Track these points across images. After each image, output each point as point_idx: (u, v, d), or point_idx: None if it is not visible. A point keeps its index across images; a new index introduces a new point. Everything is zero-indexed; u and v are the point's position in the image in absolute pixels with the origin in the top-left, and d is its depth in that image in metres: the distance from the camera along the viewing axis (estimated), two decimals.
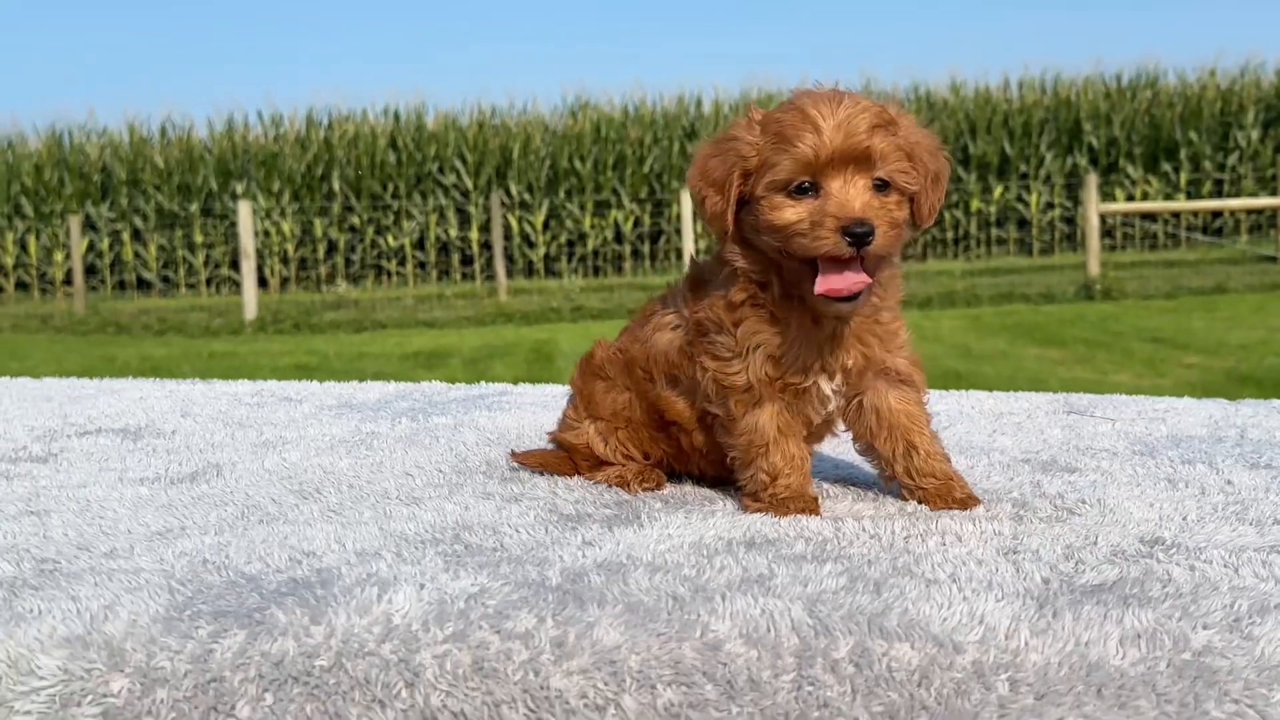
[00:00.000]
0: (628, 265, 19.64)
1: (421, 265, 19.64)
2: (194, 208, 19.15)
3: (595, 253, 19.74)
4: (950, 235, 20.00)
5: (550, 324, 15.22)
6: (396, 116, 20.51)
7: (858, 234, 1.29)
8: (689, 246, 15.24)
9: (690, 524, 1.32)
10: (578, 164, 19.98)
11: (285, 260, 19.12)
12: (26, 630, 0.84)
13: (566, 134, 20.31)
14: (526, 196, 19.80)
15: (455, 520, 1.27)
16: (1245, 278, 15.47)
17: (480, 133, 20.18)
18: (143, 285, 18.91)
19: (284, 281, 18.98)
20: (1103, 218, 16.55)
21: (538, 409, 1.84)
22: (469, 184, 19.81)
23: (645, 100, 21.12)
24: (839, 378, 1.44)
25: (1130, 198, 19.87)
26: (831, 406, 1.47)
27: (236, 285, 18.69)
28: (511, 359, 11.58)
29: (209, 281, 19.14)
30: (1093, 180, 14.65)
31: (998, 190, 19.92)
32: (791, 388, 1.40)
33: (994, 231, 20.02)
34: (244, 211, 14.57)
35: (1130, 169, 20.15)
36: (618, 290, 17.49)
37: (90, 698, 0.82)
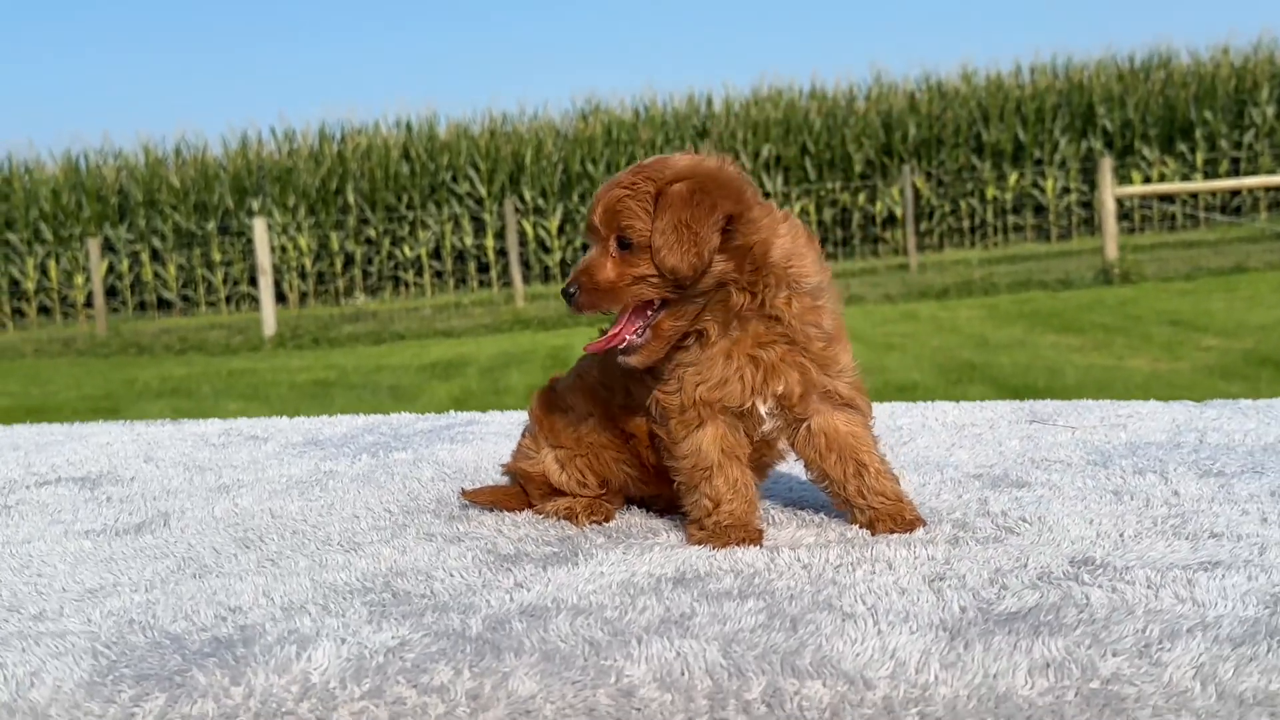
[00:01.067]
0: None
1: (438, 274, 19.73)
2: (211, 226, 19.31)
3: None
4: (966, 224, 19.93)
5: (567, 329, 15.28)
6: (409, 127, 20.62)
7: (565, 294, 1.39)
8: None
9: (625, 560, 1.35)
10: (590, 167, 20.02)
11: (303, 275, 19.25)
12: None
13: (578, 138, 20.36)
14: (540, 202, 19.87)
15: (389, 566, 1.30)
16: (1265, 256, 15.37)
17: (492, 140, 20.26)
18: (163, 305, 19.08)
19: (303, 296, 19.11)
20: (1119, 201, 16.46)
21: (500, 439, 1.87)
22: (483, 191, 19.89)
23: (656, 101, 21.17)
24: (771, 401, 1.47)
25: (1147, 179, 19.75)
26: (767, 427, 1.50)
27: (256, 301, 18.82)
28: (528, 366, 11.63)
29: (228, 299, 19.30)
30: (1108, 163, 14.58)
31: (1013, 177, 19.83)
32: (728, 409, 1.44)
33: (1010, 219, 19.94)
34: (259, 228, 14.67)
35: (1146, 150, 20.03)
36: None
37: None
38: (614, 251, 1.36)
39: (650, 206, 1.35)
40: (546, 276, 19.72)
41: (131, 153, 20.20)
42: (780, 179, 20.09)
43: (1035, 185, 20.00)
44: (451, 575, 1.27)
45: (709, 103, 21.10)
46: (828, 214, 19.93)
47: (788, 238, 1.45)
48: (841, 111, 20.54)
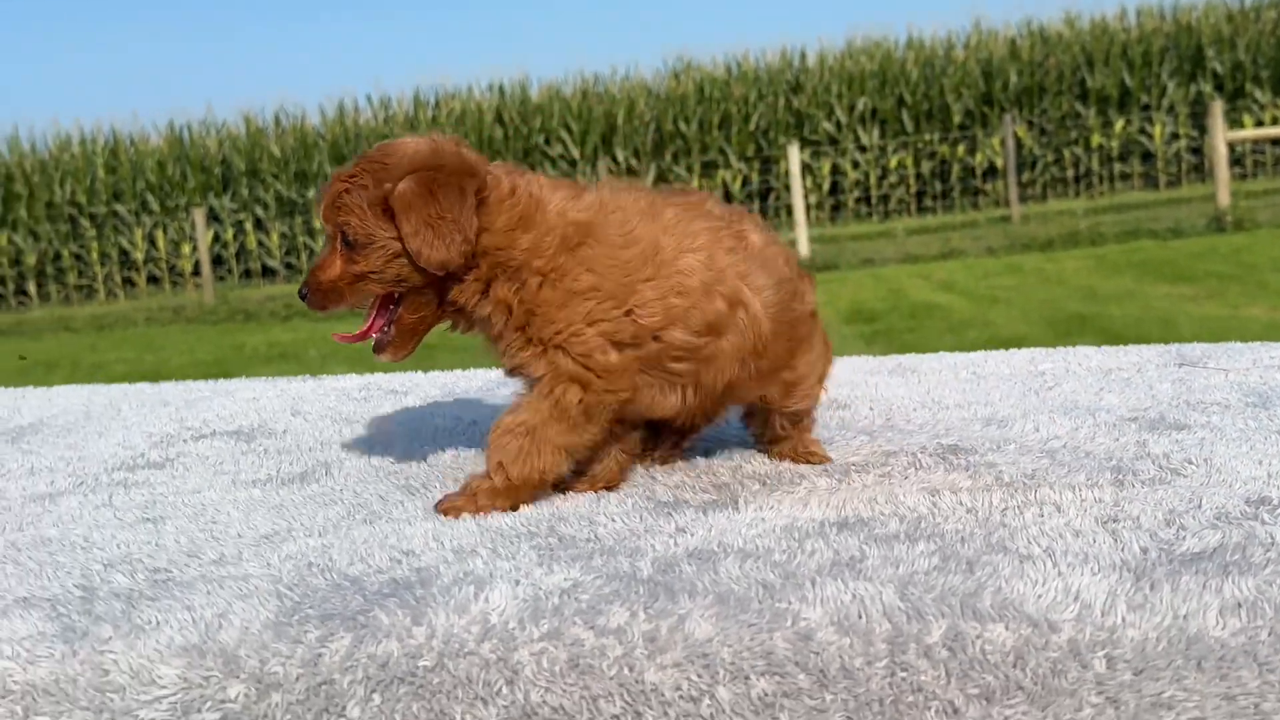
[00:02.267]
0: None
1: None
2: (311, 194, 19.61)
3: None
4: (1071, 173, 19.43)
5: None
6: (501, 91, 20.69)
7: (300, 294, 1.30)
8: (799, 202, 15.11)
9: (785, 505, 1.33)
10: (682, 126, 19.90)
11: None
12: (146, 641, 0.89)
13: (670, 96, 20.24)
14: (633, 162, 19.82)
15: (550, 511, 1.29)
16: None
17: (584, 101, 20.24)
18: (267, 272, 19.46)
19: None
20: (1231, 146, 15.92)
21: None
22: (575, 153, 19.91)
23: (748, 56, 20.93)
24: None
25: (1259, 123, 19.03)
26: None
27: None
28: None
29: None
30: (1218, 107, 14.09)
31: (1119, 124, 19.27)
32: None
33: (1117, 167, 19.39)
34: None
35: (1258, 93, 19.30)
36: None
37: (209, 704, 0.87)
38: (340, 248, 1.27)
39: (369, 201, 1.24)
40: None
41: (233, 123, 20.62)
42: (876, 132, 19.77)
43: (1142, 132, 19.41)
44: (613, 520, 1.26)
45: (802, 56, 20.81)
46: (926, 166, 19.57)
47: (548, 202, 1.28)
48: (939, 61, 20.12)
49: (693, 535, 1.21)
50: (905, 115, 19.85)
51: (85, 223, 19.42)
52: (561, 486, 1.32)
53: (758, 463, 1.50)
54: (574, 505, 1.32)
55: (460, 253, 1.22)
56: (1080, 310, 9.76)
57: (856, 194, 19.64)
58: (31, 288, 19.19)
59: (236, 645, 0.88)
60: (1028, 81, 19.78)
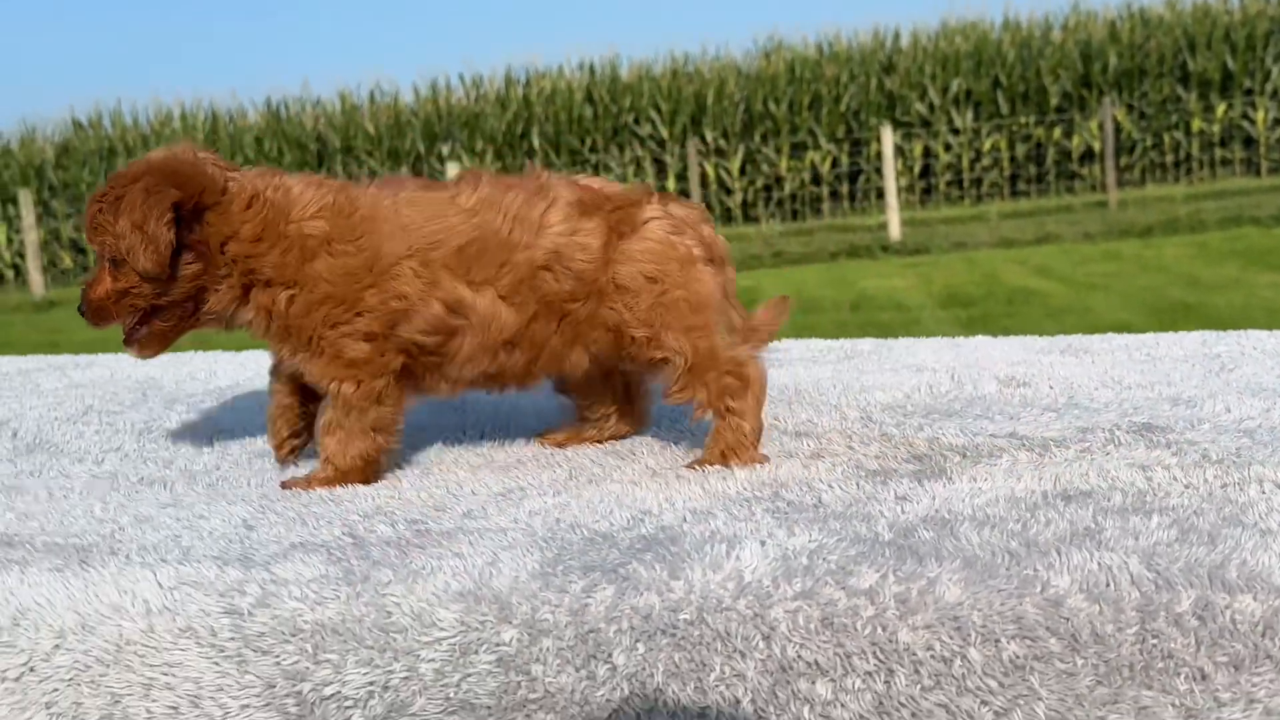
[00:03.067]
0: (825, 207, 19.40)
1: None
2: (404, 171, 19.83)
3: (793, 196, 19.56)
4: (1170, 159, 19.02)
5: (752, 270, 15.21)
6: (591, 70, 20.73)
7: (79, 310, 1.31)
8: (891, 185, 14.96)
9: (996, 477, 1.33)
10: (772, 106, 19.79)
11: None
12: (425, 586, 0.92)
13: (760, 76, 20.13)
14: (722, 142, 19.76)
15: (770, 478, 1.31)
16: None
17: (674, 81, 20.21)
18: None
19: None
20: None
21: (808, 364, 1.85)
22: (664, 133, 19.89)
23: (840, 36, 20.74)
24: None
25: None
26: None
27: None
28: None
29: None
30: None
31: (1220, 108, 18.80)
32: None
33: (1218, 152, 18.93)
34: (452, 174, 15.02)
35: None
36: (817, 233, 17.33)
37: (485, 647, 0.90)
38: (107, 265, 1.29)
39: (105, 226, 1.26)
40: (728, 218, 19.64)
41: (329, 100, 20.92)
42: (971, 114, 19.49)
43: (1245, 116, 18.92)
44: (831, 488, 1.27)
45: (895, 36, 20.57)
46: (1020, 150, 19.27)
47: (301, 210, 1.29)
48: (1036, 42, 19.77)
49: (916, 503, 1.22)
50: (1000, 97, 19.55)
51: None
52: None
53: (952, 435, 1.50)
54: (789, 472, 1.34)
55: (154, 262, 1.24)
56: (1183, 298, 9.57)
57: (948, 177, 19.40)
58: None
59: (509, 592, 0.91)
60: (1127, 64, 19.37)
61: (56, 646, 0.84)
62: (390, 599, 0.90)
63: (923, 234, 15.49)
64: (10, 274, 19.60)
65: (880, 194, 18.83)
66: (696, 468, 1.28)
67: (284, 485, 1.30)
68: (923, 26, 20.96)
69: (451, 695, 0.88)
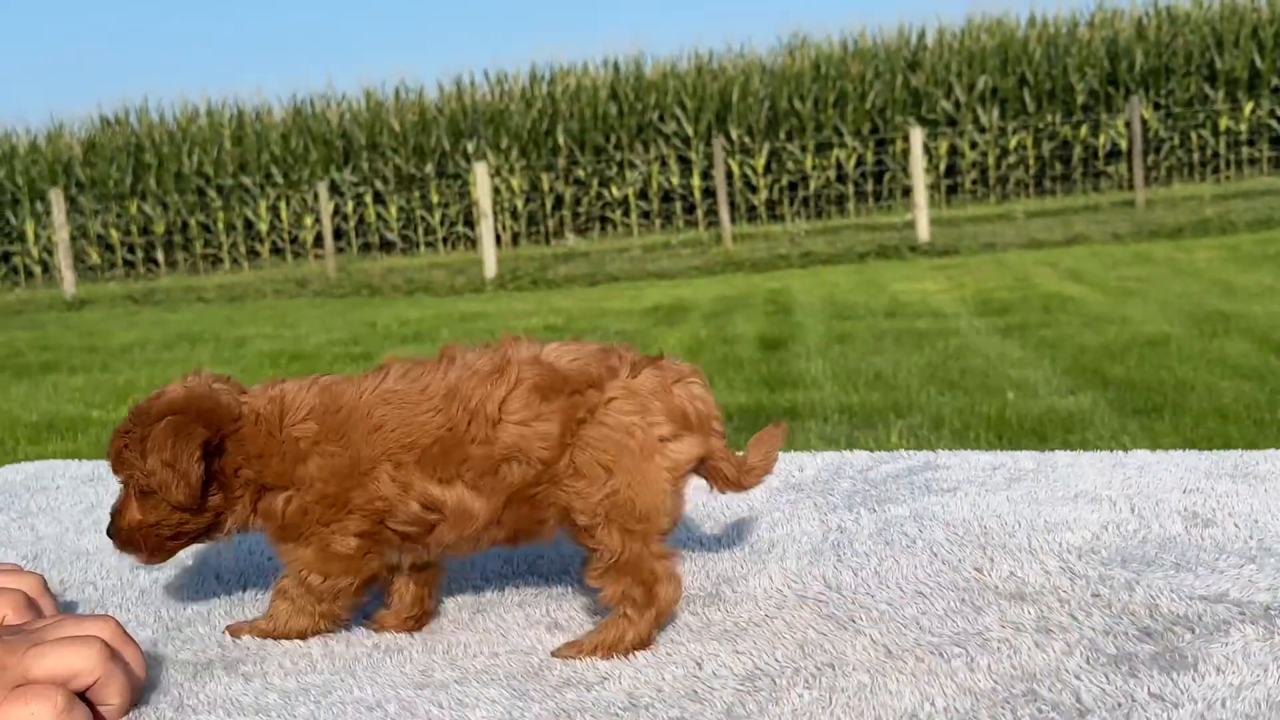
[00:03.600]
0: (851, 205, 19.41)
1: (645, 215, 19.89)
2: (429, 168, 19.90)
3: (818, 194, 19.57)
4: (1196, 157, 18.98)
5: (780, 271, 15.24)
6: (616, 67, 20.76)
7: (108, 532, 1.34)
8: (919, 184, 14.96)
9: (1240, 666, 1.21)
10: (797, 104, 19.79)
11: (515, 215, 19.70)
12: None
13: (785, 74, 20.14)
14: (747, 140, 19.77)
15: (1017, 669, 1.23)
16: None
17: (699, 78, 20.23)
18: (385, 245, 19.82)
19: (515, 237, 19.56)
20: None
21: (978, 488, 1.77)
22: (689, 131, 19.91)
23: (864, 33, 20.73)
24: None
25: None
26: None
27: (471, 242, 19.37)
28: (750, 311, 11.67)
29: (445, 239, 19.90)
30: None
31: (1248, 107, 18.75)
32: None
33: (1245, 151, 18.89)
34: (480, 172, 15.05)
35: None
36: (843, 232, 17.35)
37: None
38: (135, 495, 1.33)
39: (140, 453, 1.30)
40: (753, 216, 19.67)
41: (354, 97, 21.03)
42: (996, 111, 19.47)
43: (1273, 115, 18.86)
44: (1081, 680, 1.17)
45: (921, 34, 20.55)
46: (1046, 148, 19.25)
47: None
48: (1063, 40, 19.74)
49: (1180, 708, 1.13)
50: (1027, 95, 19.53)
51: (212, 193, 19.95)
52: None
53: (1167, 599, 1.43)
54: (1033, 660, 1.33)
55: (187, 496, 1.28)
56: (1220, 307, 9.58)
57: (974, 175, 19.40)
58: (160, 256, 19.77)
59: None
60: (1154, 62, 19.33)
61: None
62: None
63: (950, 234, 15.49)
64: (39, 270, 19.74)
65: (906, 191, 18.83)
66: (567, 652, 1.26)
67: (229, 630, 1.36)
68: (948, 24, 20.96)
69: None
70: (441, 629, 1.33)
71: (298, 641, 1.32)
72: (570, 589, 1.41)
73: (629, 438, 1.28)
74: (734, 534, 1.52)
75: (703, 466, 1.33)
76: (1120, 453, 1.77)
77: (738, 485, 1.40)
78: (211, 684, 1.18)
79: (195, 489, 1.28)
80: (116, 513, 1.35)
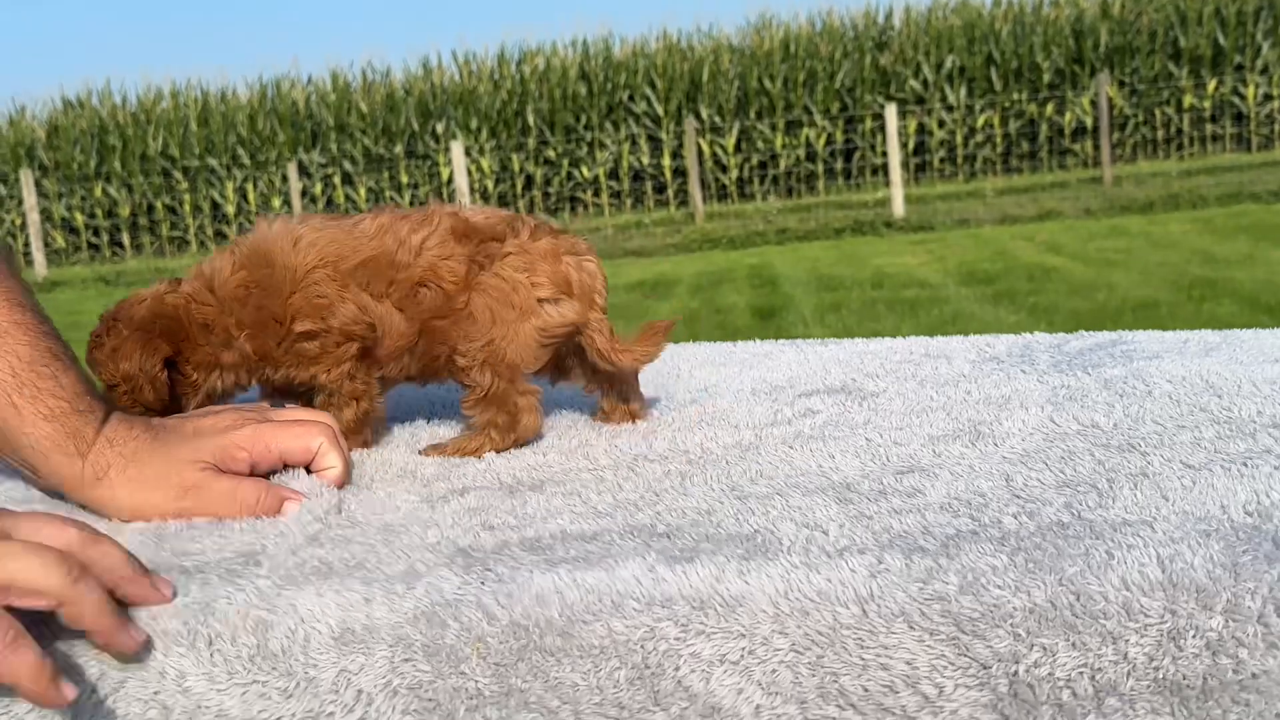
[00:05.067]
0: (821, 183, 19.50)
1: (616, 195, 19.87)
2: (398, 149, 19.76)
3: (788, 172, 19.64)
4: (1161, 134, 19.24)
5: (757, 247, 15.30)
6: (585, 47, 20.70)
7: None
8: (895, 162, 15.07)
9: None
10: (767, 83, 19.85)
11: (485, 196, 19.60)
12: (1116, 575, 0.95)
13: (754, 53, 20.18)
14: (717, 119, 19.80)
15: None
16: None
17: (668, 58, 20.22)
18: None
19: None
20: None
21: (1196, 357, 1.78)
22: (659, 111, 19.91)
23: (832, 12, 20.83)
24: None
25: None
26: None
27: None
28: (736, 284, 11.72)
29: None
30: None
31: (1211, 84, 19.04)
32: None
33: (1209, 128, 19.18)
34: (456, 152, 14.98)
35: None
36: (815, 209, 17.44)
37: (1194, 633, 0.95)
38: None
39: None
40: (724, 195, 19.71)
41: (320, 78, 20.79)
42: (964, 90, 19.63)
43: (1235, 92, 19.17)
44: None
45: (889, 14, 20.68)
46: (1013, 126, 19.44)
47: None
48: (1029, 18, 19.93)
49: None
50: (994, 74, 19.70)
51: (178, 175, 19.69)
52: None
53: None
54: None
55: (157, 399, 1.42)
56: (1203, 274, 9.75)
57: (942, 153, 19.55)
58: (125, 239, 19.50)
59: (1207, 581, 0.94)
60: (1119, 40, 19.57)
61: (775, 631, 0.90)
62: (1092, 587, 0.95)
63: (924, 211, 15.62)
64: None
65: (875, 170, 18.95)
66: (431, 453, 1.44)
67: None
68: (915, 3, 21.06)
69: (1159, 678, 0.94)
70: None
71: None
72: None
73: (514, 293, 1.41)
74: (957, 392, 1.55)
75: (579, 334, 1.45)
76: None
77: (609, 359, 1.47)
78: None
79: (162, 393, 1.43)
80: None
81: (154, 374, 1.45)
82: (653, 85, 20.05)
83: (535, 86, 20.09)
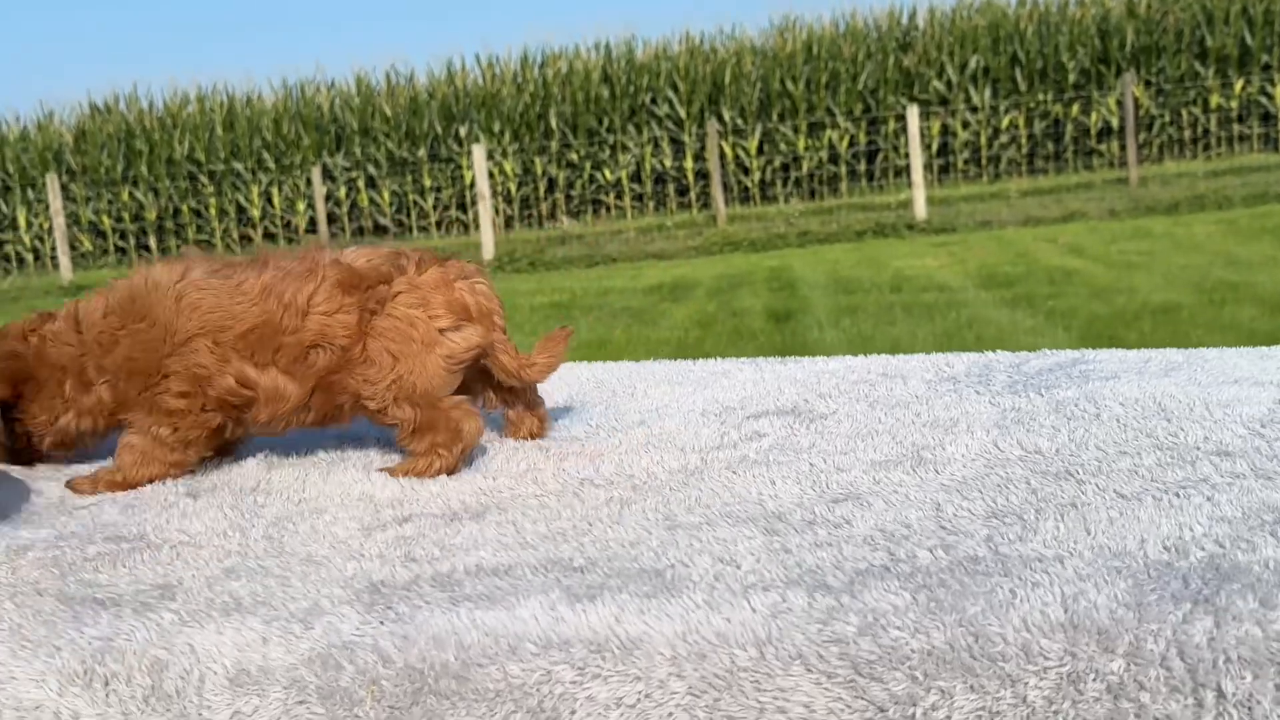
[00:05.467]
0: (844, 185, 19.42)
1: (638, 197, 19.87)
2: (421, 153, 19.82)
3: (811, 175, 19.58)
4: (1187, 134, 19.05)
5: (778, 250, 15.25)
6: (608, 50, 20.70)
7: None
8: (917, 163, 14.99)
9: None
10: (790, 85, 19.79)
11: (508, 199, 19.63)
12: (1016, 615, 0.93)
13: (777, 55, 20.12)
14: (739, 122, 19.76)
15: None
16: None
17: (690, 60, 20.19)
18: (378, 229, 19.73)
19: (508, 220, 19.51)
20: None
21: (1154, 377, 1.77)
22: (682, 113, 19.88)
23: (856, 14, 20.77)
24: None
25: None
26: None
27: (465, 226, 19.33)
28: (754, 287, 11.68)
29: (438, 224, 19.84)
30: None
31: (1238, 84, 18.83)
32: None
33: (1236, 128, 18.97)
34: (478, 155, 15.01)
35: None
36: (837, 211, 17.38)
37: (1094, 676, 0.94)
38: None
39: None
40: (746, 197, 19.67)
41: (344, 82, 20.89)
42: (989, 91, 19.50)
43: (1263, 92, 18.95)
44: None
45: (912, 15, 20.57)
46: (1038, 126, 19.30)
47: None
48: (1054, 18, 19.77)
49: None
50: (1019, 74, 19.57)
51: (204, 179, 19.82)
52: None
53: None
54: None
55: None
56: (1226, 277, 9.64)
57: (966, 154, 19.43)
58: (152, 242, 19.66)
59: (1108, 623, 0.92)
60: (1145, 40, 19.39)
61: (671, 674, 0.89)
62: (991, 629, 0.94)
63: (947, 213, 15.54)
64: (30, 257, 19.61)
65: (899, 172, 18.87)
66: (391, 472, 1.44)
67: (70, 485, 1.43)
68: (939, 3, 20.94)
69: None
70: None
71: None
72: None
73: (412, 329, 1.43)
74: (907, 415, 1.54)
75: (485, 356, 1.47)
76: (1265, 347, 1.79)
77: (518, 376, 1.51)
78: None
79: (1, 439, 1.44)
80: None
81: None
82: (675, 88, 20.03)
83: (558, 89, 20.10)
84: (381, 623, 0.96)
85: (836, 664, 0.91)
